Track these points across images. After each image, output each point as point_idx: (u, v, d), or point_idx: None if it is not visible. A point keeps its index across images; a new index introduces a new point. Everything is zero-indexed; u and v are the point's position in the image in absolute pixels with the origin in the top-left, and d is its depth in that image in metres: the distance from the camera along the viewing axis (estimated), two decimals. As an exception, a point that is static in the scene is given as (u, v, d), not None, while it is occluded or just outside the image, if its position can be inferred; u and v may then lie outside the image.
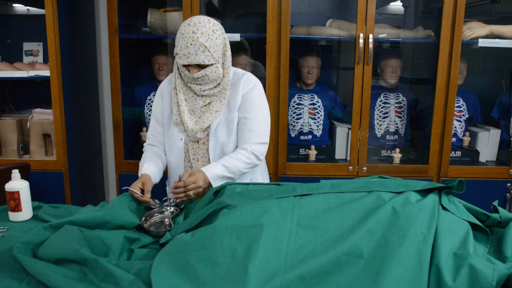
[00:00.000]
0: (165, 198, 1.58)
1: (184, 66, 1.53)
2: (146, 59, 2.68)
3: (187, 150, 1.67)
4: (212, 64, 1.51)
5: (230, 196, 1.28)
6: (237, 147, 1.66)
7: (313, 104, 2.62)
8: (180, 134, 1.65)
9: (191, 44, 1.46)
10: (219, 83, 1.58)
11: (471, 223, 1.16)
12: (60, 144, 2.43)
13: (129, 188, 1.49)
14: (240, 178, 1.66)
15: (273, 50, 2.34)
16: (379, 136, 2.66)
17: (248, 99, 1.62)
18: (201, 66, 1.51)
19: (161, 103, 1.70)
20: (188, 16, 2.32)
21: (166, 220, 1.44)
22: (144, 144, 1.78)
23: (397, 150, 2.56)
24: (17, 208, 1.41)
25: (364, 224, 1.10)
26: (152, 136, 1.75)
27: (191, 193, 1.49)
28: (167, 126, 1.69)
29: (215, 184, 1.53)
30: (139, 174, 1.64)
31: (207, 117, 1.60)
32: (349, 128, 2.56)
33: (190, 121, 1.60)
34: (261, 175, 1.81)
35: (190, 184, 1.47)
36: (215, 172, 1.54)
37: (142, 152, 1.77)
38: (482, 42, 2.38)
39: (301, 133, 2.65)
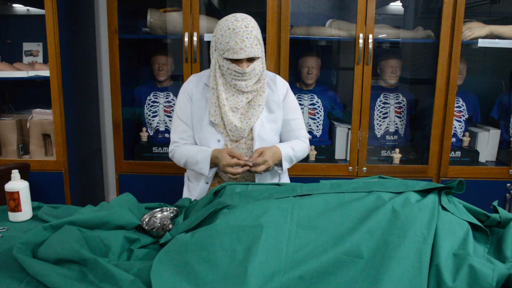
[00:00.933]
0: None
1: (234, 62, 1.54)
2: (145, 59, 2.68)
3: None
4: (258, 58, 1.56)
5: (230, 196, 1.28)
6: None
7: (313, 104, 2.62)
8: (218, 135, 1.64)
9: (247, 38, 1.49)
10: (259, 79, 1.60)
11: (471, 223, 1.16)
12: (60, 144, 2.42)
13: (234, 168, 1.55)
14: (265, 178, 1.69)
15: (273, 50, 2.34)
16: (378, 136, 2.66)
17: (289, 100, 1.73)
18: (250, 60, 1.54)
19: (189, 105, 1.69)
20: (188, 16, 2.32)
21: (166, 220, 1.44)
22: (173, 147, 1.72)
23: (397, 150, 2.56)
24: (17, 208, 1.41)
25: (364, 224, 1.10)
26: (181, 139, 1.71)
27: (259, 169, 1.56)
28: (198, 129, 1.67)
29: (285, 164, 1.65)
30: (203, 157, 1.61)
31: (252, 113, 1.61)
32: (349, 128, 2.55)
33: (235, 119, 1.60)
34: (286, 175, 1.83)
35: (260, 164, 1.55)
36: (287, 153, 1.63)
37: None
38: (482, 42, 2.38)
39: (301, 133, 2.65)
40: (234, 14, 1.56)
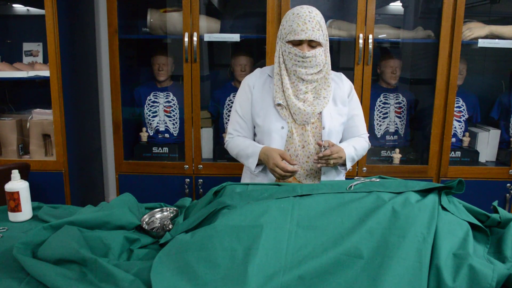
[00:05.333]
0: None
1: (296, 45, 1.58)
2: (145, 59, 2.68)
3: (290, 137, 1.67)
4: (321, 45, 1.59)
5: (230, 196, 1.28)
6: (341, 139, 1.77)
7: (313, 104, 2.62)
8: (282, 121, 1.65)
9: (309, 21, 1.55)
10: (320, 70, 1.63)
11: (471, 224, 1.16)
12: (60, 145, 2.43)
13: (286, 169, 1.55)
14: (331, 175, 1.70)
15: (273, 51, 2.33)
16: (378, 136, 2.66)
17: (354, 97, 1.76)
18: (312, 46, 1.58)
19: (249, 98, 1.71)
20: (188, 16, 2.32)
21: (166, 220, 1.44)
22: (227, 138, 1.78)
23: (397, 150, 2.56)
24: (17, 208, 1.41)
25: (364, 224, 1.10)
26: (235, 131, 1.75)
27: (332, 162, 1.57)
28: (261, 117, 1.69)
29: (348, 164, 1.65)
30: (253, 152, 1.64)
31: (318, 103, 1.63)
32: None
33: (299, 103, 1.62)
34: (343, 174, 1.81)
35: (334, 153, 1.56)
36: (349, 153, 1.64)
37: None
38: (482, 43, 2.38)
39: (301, 133, 2.65)
40: (300, 5, 1.62)
